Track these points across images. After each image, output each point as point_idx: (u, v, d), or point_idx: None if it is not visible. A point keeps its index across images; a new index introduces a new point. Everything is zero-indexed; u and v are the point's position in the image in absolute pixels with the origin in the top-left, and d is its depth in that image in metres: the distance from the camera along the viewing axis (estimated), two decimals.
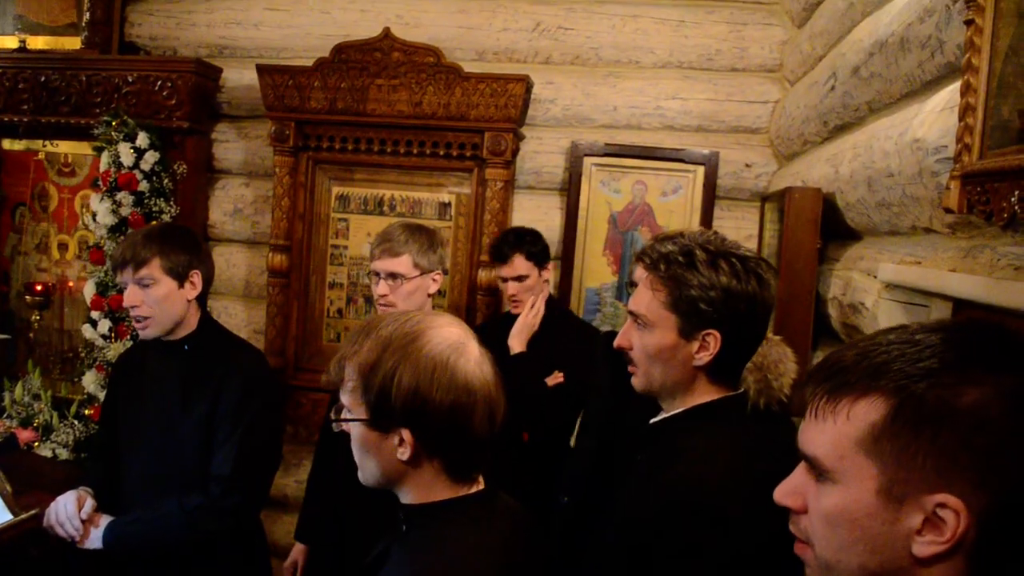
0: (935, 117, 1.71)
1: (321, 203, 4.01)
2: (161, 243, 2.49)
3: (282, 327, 3.96)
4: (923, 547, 0.90)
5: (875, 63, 2.20)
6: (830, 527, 0.98)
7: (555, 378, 3.02)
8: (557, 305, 3.38)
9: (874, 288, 2.14)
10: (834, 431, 0.98)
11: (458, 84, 3.64)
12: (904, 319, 2.04)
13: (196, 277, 2.54)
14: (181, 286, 2.51)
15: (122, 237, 3.74)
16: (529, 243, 3.16)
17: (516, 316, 3.13)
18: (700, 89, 3.76)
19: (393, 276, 2.66)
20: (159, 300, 2.47)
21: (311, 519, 3.01)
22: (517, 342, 3.05)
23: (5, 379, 4.24)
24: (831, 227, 2.67)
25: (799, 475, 1.06)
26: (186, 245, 2.55)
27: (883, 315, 2.07)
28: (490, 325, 3.46)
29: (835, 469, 0.98)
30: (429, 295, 2.76)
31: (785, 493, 1.06)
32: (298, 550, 3.00)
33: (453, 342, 1.39)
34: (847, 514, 0.96)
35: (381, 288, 2.67)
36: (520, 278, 3.14)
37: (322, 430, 3.02)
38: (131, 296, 2.47)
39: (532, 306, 3.11)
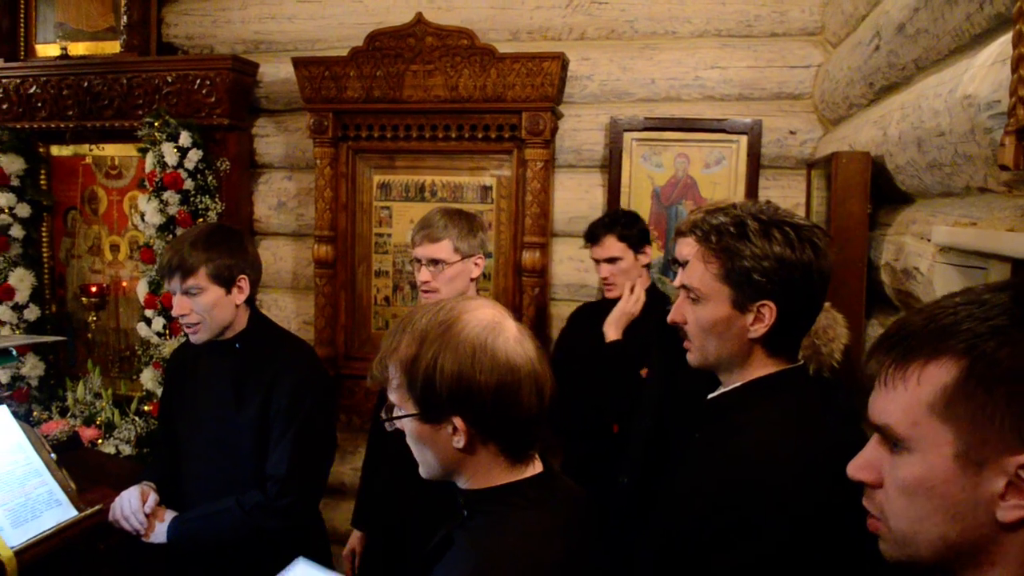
0: (986, 71, 1.65)
1: (363, 192, 4.02)
2: (207, 250, 2.47)
3: (331, 317, 4.00)
4: (1008, 511, 0.88)
5: (921, 19, 2.13)
6: (907, 498, 0.96)
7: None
8: (659, 293, 3.25)
9: (928, 252, 2.08)
10: (905, 397, 0.95)
11: (493, 66, 3.62)
12: (961, 283, 1.99)
13: (244, 282, 2.54)
14: (229, 292, 2.51)
15: (171, 236, 3.81)
16: (623, 224, 3.08)
17: (615, 302, 3.04)
18: (740, 56, 3.68)
19: (434, 262, 2.65)
20: (208, 308, 2.47)
21: (367, 506, 3.04)
22: (613, 330, 2.97)
23: (67, 379, 4.35)
24: (881, 191, 2.60)
25: (872, 448, 1.03)
26: (232, 250, 2.53)
27: (938, 279, 2.01)
28: (587, 309, 3.43)
29: (909, 437, 0.95)
30: (472, 279, 2.75)
31: (859, 467, 1.04)
32: (355, 537, 3.04)
33: (489, 323, 1.39)
34: (925, 483, 0.94)
35: (423, 275, 2.67)
36: (612, 260, 3.06)
37: (373, 419, 3.04)
38: (180, 305, 2.48)
39: (632, 291, 3.02)
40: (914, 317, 0.99)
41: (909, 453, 0.96)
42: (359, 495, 3.11)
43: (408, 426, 1.44)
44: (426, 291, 2.70)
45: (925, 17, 2.10)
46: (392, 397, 1.46)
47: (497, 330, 1.39)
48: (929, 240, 2.09)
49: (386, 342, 1.46)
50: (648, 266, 3.14)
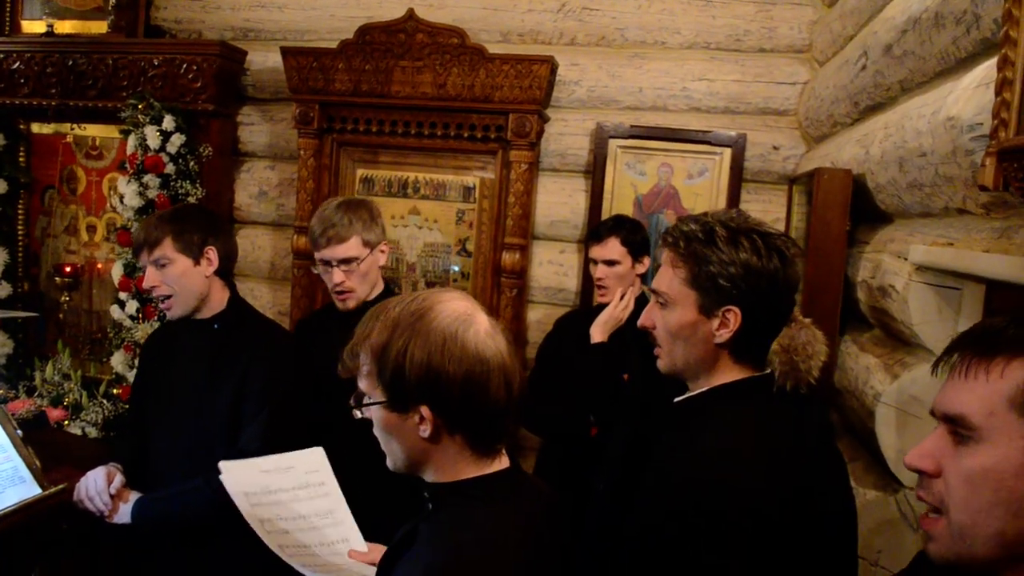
0: (970, 94, 1.68)
1: (346, 185, 4.01)
2: (172, 223, 2.52)
3: (307, 308, 3.97)
4: None
5: (908, 40, 2.16)
6: (972, 488, 0.98)
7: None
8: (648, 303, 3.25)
9: (904, 271, 2.11)
10: (985, 388, 0.98)
11: (482, 66, 3.63)
12: (935, 302, 2.01)
13: (212, 253, 2.56)
14: (197, 263, 2.53)
15: None
16: (628, 230, 3.07)
17: (604, 307, 3.02)
18: (727, 70, 3.71)
19: (346, 261, 2.60)
20: (176, 278, 2.50)
21: None
22: (599, 332, 2.95)
23: (36, 359, 4.30)
24: (860, 209, 2.63)
25: (935, 439, 1.05)
26: (198, 223, 2.57)
27: (914, 298, 2.04)
28: (574, 316, 3.42)
29: (983, 427, 0.98)
30: (380, 267, 2.72)
31: (919, 456, 1.06)
32: None
33: (460, 315, 1.40)
34: (993, 474, 0.96)
35: (336, 276, 2.61)
36: (611, 262, 3.04)
37: None
38: (149, 277, 2.52)
39: (621, 298, 3.00)
40: (1000, 318, 1.03)
41: (979, 444, 0.98)
42: None
43: (376, 414, 1.45)
44: (341, 293, 2.64)
45: (912, 39, 2.13)
46: (361, 384, 1.46)
47: (468, 322, 1.39)
48: (906, 259, 2.12)
49: (359, 330, 1.46)
50: (643, 276, 3.15)
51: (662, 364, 1.72)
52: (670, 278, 1.65)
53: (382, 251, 2.72)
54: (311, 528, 2.01)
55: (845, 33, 3.03)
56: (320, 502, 2.06)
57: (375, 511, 2.02)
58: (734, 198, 3.65)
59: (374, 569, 1.71)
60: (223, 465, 2.10)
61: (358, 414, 1.48)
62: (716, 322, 1.60)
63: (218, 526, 2.44)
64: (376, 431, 1.48)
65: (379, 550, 1.79)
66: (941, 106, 1.84)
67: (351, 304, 2.66)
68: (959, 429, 1.00)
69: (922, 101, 2.05)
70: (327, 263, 2.63)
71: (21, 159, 4.40)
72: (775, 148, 3.67)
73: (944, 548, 1.03)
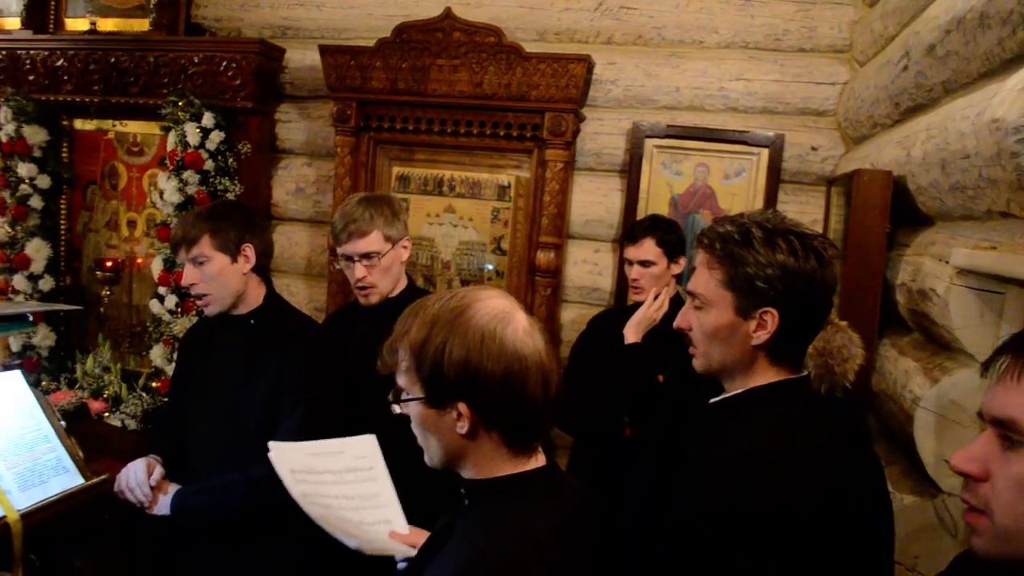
0: (1016, 96, 1.65)
1: (381, 183, 4.03)
2: (210, 221, 2.55)
3: (343, 304, 4.00)
4: None
5: (952, 41, 2.13)
6: (1020, 493, 0.97)
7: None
8: (682, 303, 3.20)
9: (946, 274, 2.08)
10: None
11: (519, 64, 3.63)
12: (977, 306, 1.99)
13: (249, 250, 2.58)
14: (234, 260, 2.55)
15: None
16: (664, 230, 3.05)
17: (638, 306, 3.00)
18: (766, 70, 3.68)
19: (368, 256, 2.62)
20: (214, 276, 2.53)
21: None
22: (632, 332, 2.92)
23: (77, 351, 4.38)
24: (901, 211, 2.60)
25: (983, 443, 1.04)
26: (235, 220, 2.59)
27: (955, 302, 2.01)
28: (609, 315, 3.41)
29: None
30: (402, 263, 2.73)
31: (965, 459, 1.05)
32: None
33: (499, 312, 1.40)
34: None
35: (358, 271, 2.63)
36: (646, 263, 3.02)
37: None
38: (188, 275, 2.55)
39: (656, 298, 2.97)
40: None
41: None
42: None
43: (414, 410, 1.46)
44: (362, 288, 2.65)
45: (956, 40, 2.10)
46: (400, 381, 1.47)
47: (507, 320, 1.40)
48: (947, 262, 2.09)
49: (398, 326, 1.47)
50: (678, 276, 3.13)
51: (698, 364, 1.72)
52: (706, 280, 1.65)
53: (404, 247, 2.72)
54: (353, 508, 2.02)
55: (886, 33, 2.99)
56: (366, 486, 2.07)
57: (411, 506, 2.04)
58: (771, 199, 3.62)
59: (413, 550, 1.72)
60: (272, 445, 2.12)
61: (396, 409, 1.49)
62: (753, 324, 1.60)
63: (255, 521, 2.48)
64: (414, 427, 1.49)
65: (421, 534, 1.81)
66: (985, 108, 1.81)
67: (373, 299, 2.68)
68: (1009, 433, 0.99)
69: (966, 103, 2.03)
70: (349, 258, 2.65)
71: (64, 155, 4.49)
72: (813, 149, 3.64)
73: (989, 545, 1.02)
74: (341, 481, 2.08)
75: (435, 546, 1.51)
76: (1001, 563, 1.01)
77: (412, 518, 1.97)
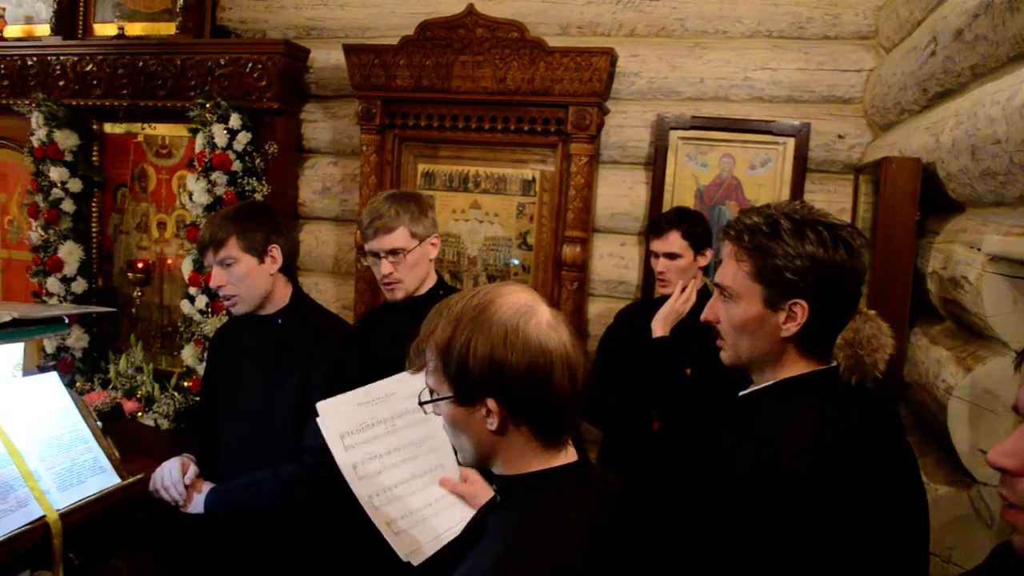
0: None
1: (407, 180, 4.05)
2: (236, 222, 2.57)
3: (371, 303, 4.03)
4: None
5: (980, 25, 2.11)
6: None
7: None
8: (709, 295, 3.17)
9: (978, 261, 2.06)
10: None
11: (542, 59, 3.63)
12: (1010, 293, 1.97)
13: (275, 251, 2.60)
14: (261, 261, 2.57)
15: None
16: (690, 222, 3.04)
17: (666, 299, 2.98)
18: (790, 58, 3.65)
19: (394, 252, 2.62)
20: (242, 278, 2.55)
21: None
22: (660, 326, 2.92)
23: (110, 352, 4.45)
24: (930, 199, 2.57)
25: (1020, 437, 1.04)
26: (262, 221, 2.61)
27: (987, 289, 1.99)
28: (636, 308, 3.42)
29: None
30: (430, 260, 2.72)
31: (1003, 454, 1.05)
32: None
33: (521, 307, 1.41)
34: None
35: (384, 268, 2.63)
36: (672, 256, 3.02)
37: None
38: (216, 277, 2.57)
39: (683, 291, 2.96)
40: None
41: None
42: None
43: (444, 410, 1.47)
44: (388, 283, 2.66)
45: (985, 23, 2.08)
46: (429, 381, 1.49)
47: (530, 314, 1.41)
48: (979, 249, 2.07)
49: (424, 327, 1.49)
50: (705, 268, 3.12)
51: (726, 357, 1.72)
52: (734, 272, 1.64)
53: (433, 244, 2.71)
54: (406, 460, 2.02)
55: (913, 18, 2.96)
56: (419, 429, 2.07)
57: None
58: (798, 188, 3.59)
59: (458, 524, 1.74)
60: (320, 406, 2.15)
61: (427, 410, 1.51)
62: (783, 316, 1.59)
63: (287, 519, 2.51)
64: (445, 427, 1.51)
65: (475, 478, 1.81)
66: (1016, 92, 1.79)
67: (399, 295, 2.69)
68: None
69: (995, 87, 2.00)
70: (375, 254, 2.65)
71: (95, 158, 4.54)
72: (840, 137, 3.61)
73: None
74: (393, 430, 2.08)
75: (467, 542, 1.52)
76: None
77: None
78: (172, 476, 2.53)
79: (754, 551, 1.44)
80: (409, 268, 2.64)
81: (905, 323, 2.60)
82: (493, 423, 1.41)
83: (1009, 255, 1.87)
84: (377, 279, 2.73)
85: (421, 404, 1.51)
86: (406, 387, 2.10)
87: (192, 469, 2.58)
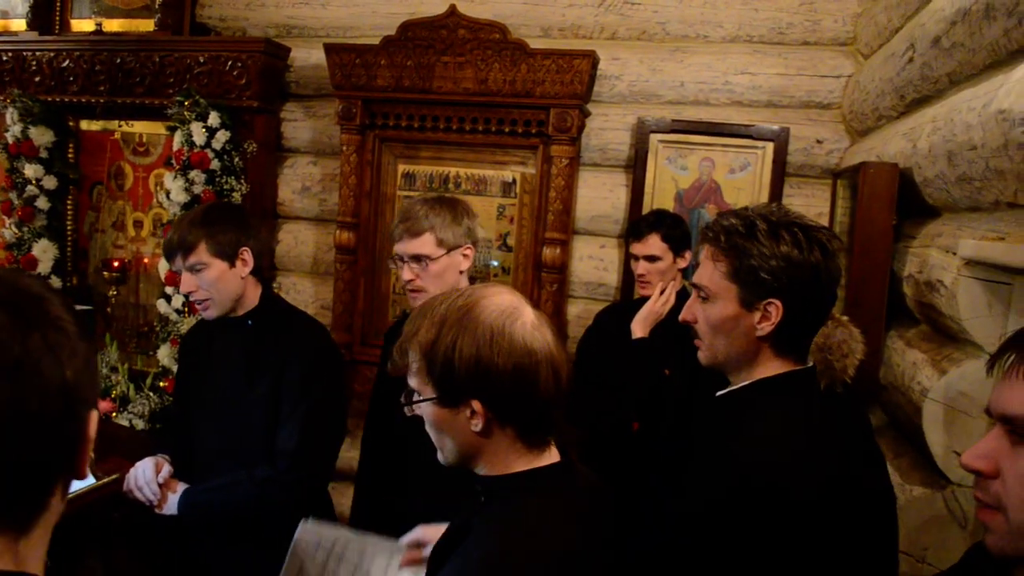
0: (1022, 86, 1.65)
1: (387, 181, 4.04)
2: (205, 226, 2.48)
3: (349, 303, 4.02)
4: None
5: (957, 32, 2.13)
6: None
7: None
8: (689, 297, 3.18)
9: (953, 265, 2.08)
10: None
11: (524, 61, 3.63)
12: (984, 297, 1.99)
13: (246, 254, 2.54)
14: (232, 265, 2.51)
15: None
16: (668, 225, 3.07)
17: (645, 301, 2.98)
18: (770, 63, 3.68)
19: (417, 258, 2.45)
20: (213, 283, 2.49)
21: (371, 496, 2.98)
22: (640, 327, 2.90)
23: None
24: (907, 203, 2.60)
25: (992, 439, 1.05)
26: (231, 224, 2.54)
27: (963, 293, 2.01)
28: (614, 309, 3.43)
29: None
30: (462, 272, 2.55)
31: (976, 456, 1.05)
32: None
33: (507, 308, 1.41)
34: None
35: (406, 273, 2.49)
36: (651, 258, 3.04)
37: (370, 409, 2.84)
38: (186, 283, 2.50)
39: (662, 293, 2.95)
40: None
41: None
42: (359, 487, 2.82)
43: (427, 411, 1.46)
44: (412, 291, 2.51)
45: (962, 31, 2.10)
46: (412, 382, 1.48)
47: (515, 315, 1.41)
48: (955, 254, 2.09)
49: (407, 328, 1.48)
50: (684, 271, 3.13)
51: (703, 357, 1.74)
52: (711, 272, 1.67)
53: (464, 255, 2.53)
54: None
55: (891, 25, 2.99)
56: None
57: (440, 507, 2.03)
58: (777, 192, 3.62)
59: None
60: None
61: (408, 411, 1.50)
62: (757, 315, 1.61)
63: (263, 520, 2.49)
64: (428, 428, 1.49)
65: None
66: (992, 99, 1.81)
67: (419, 304, 2.62)
68: (1017, 429, 0.99)
69: (972, 94, 2.02)
70: (400, 258, 2.51)
71: (70, 155, 4.49)
72: (819, 142, 3.63)
73: (1003, 542, 1.02)
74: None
75: (451, 545, 1.52)
76: (1015, 560, 1.01)
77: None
78: (146, 476, 2.50)
79: (734, 550, 1.45)
80: (434, 278, 2.46)
81: (881, 326, 2.62)
82: (478, 424, 1.40)
83: (984, 259, 1.89)
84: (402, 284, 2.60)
85: (403, 405, 1.51)
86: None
87: (166, 468, 2.55)
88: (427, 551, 1.82)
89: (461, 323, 1.39)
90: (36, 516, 0.92)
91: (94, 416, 0.96)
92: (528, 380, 1.38)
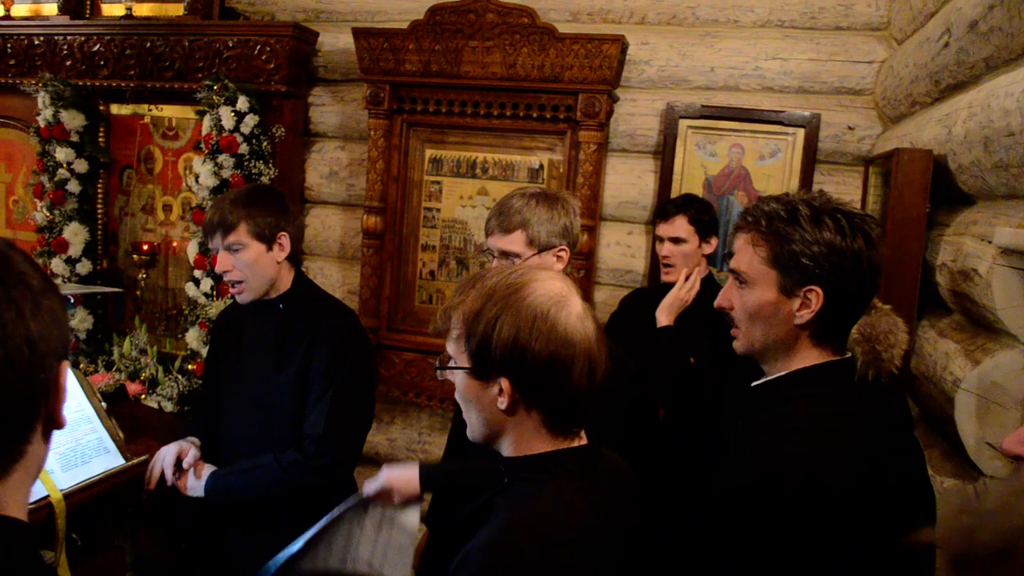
0: None
1: (414, 166, 4.04)
2: (247, 207, 2.49)
3: (376, 288, 4.03)
4: None
5: (995, 16, 2.09)
6: None
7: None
8: (714, 284, 3.13)
9: (988, 254, 2.05)
10: None
11: (552, 45, 3.61)
12: (1020, 286, 1.96)
13: (284, 239, 2.55)
14: (270, 249, 2.52)
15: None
16: (697, 208, 3.05)
17: (670, 287, 2.94)
18: (801, 49, 3.63)
19: (506, 255, 2.32)
20: (249, 264, 2.50)
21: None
22: (665, 315, 2.87)
23: (114, 334, 4.44)
24: (940, 191, 2.56)
25: None
26: (272, 207, 2.55)
27: (998, 282, 1.98)
28: (640, 294, 3.42)
29: None
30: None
31: (1016, 442, 1.04)
32: None
33: (555, 295, 1.40)
34: None
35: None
36: (677, 240, 3.03)
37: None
38: (222, 262, 2.51)
39: (687, 279, 2.91)
40: None
41: None
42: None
43: (458, 379, 1.47)
44: None
45: (1000, 15, 2.06)
46: (449, 347, 1.48)
47: (562, 303, 1.40)
48: (990, 242, 2.06)
49: (455, 294, 1.48)
50: (710, 258, 3.10)
51: (739, 345, 1.70)
52: (750, 257, 1.63)
53: (558, 256, 2.35)
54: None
55: (926, 10, 2.93)
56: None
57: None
58: (807, 179, 3.58)
59: None
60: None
61: (440, 375, 1.50)
62: (797, 302, 1.58)
63: (288, 504, 2.50)
64: (457, 396, 1.50)
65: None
66: None
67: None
68: None
69: (1009, 79, 1.99)
70: (491, 251, 2.38)
71: (101, 139, 4.53)
72: (850, 128, 3.59)
73: None
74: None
75: (474, 524, 1.52)
76: None
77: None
78: (166, 462, 2.54)
79: (769, 541, 1.44)
80: None
81: (913, 315, 2.59)
82: (504, 403, 1.40)
83: (1020, 248, 1.86)
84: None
85: (436, 369, 1.51)
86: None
87: (192, 453, 2.57)
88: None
89: (507, 301, 1.39)
90: (13, 462, 0.97)
91: (65, 366, 1.02)
92: (562, 370, 1.37)
